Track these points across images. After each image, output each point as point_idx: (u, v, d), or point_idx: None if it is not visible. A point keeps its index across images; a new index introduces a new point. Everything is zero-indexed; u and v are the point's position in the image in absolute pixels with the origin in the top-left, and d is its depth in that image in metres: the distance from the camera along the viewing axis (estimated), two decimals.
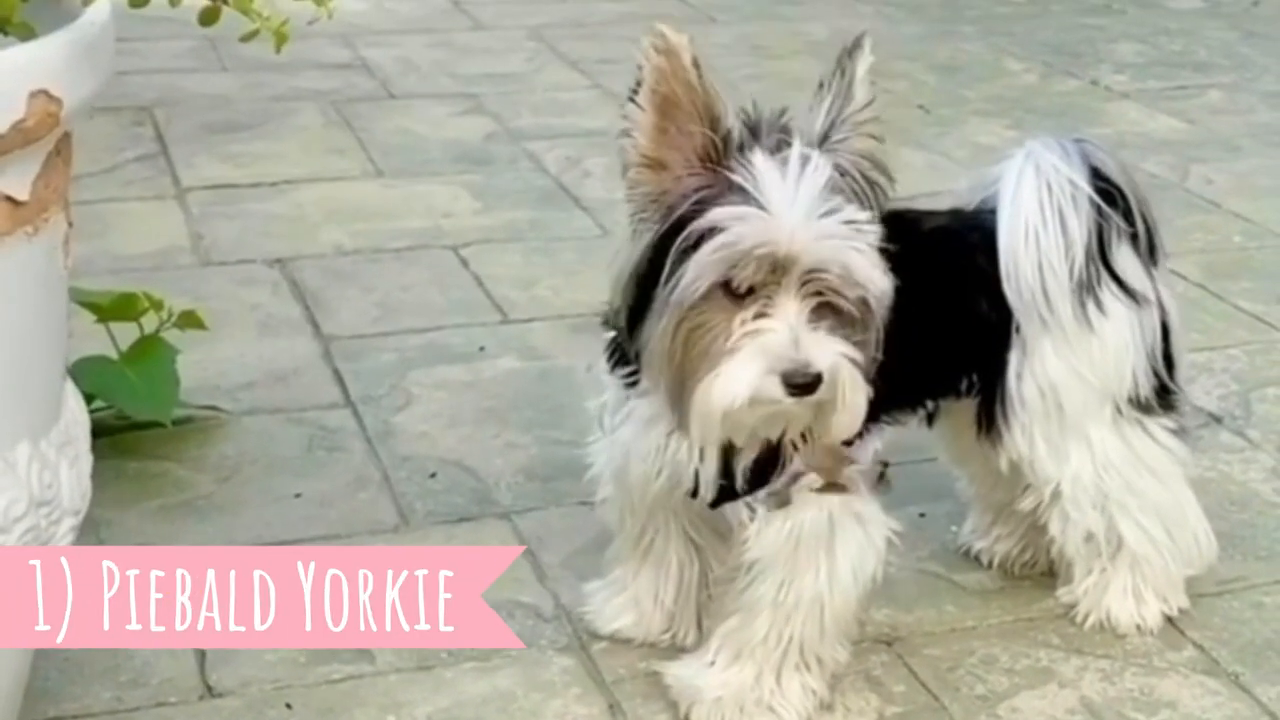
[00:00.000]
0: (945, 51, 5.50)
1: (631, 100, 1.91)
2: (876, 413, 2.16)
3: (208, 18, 1.60)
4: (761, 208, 1.84)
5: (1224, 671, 2.25)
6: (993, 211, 2.20)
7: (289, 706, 2.13)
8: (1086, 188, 2.16)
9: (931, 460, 2.59)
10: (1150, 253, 2.25)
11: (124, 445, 2.74)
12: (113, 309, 2.69)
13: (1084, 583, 2.33)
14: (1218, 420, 2.94)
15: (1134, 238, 2.23)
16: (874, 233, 1.89)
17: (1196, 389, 3.03)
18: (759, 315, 1.86)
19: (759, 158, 1.87)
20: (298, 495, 2.63)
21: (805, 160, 1.87)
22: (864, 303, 1.90)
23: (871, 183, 1.96)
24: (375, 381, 3.02)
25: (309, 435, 2.81)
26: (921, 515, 2.60)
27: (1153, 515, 2.27)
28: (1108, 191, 2.20)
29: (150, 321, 2.76)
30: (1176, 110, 4.84)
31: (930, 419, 2.31)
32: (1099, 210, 2.18)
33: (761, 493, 2.06)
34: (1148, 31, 5.79)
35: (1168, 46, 5.61)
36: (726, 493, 2.07)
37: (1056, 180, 2.16)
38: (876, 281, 1.89)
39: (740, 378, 1.85)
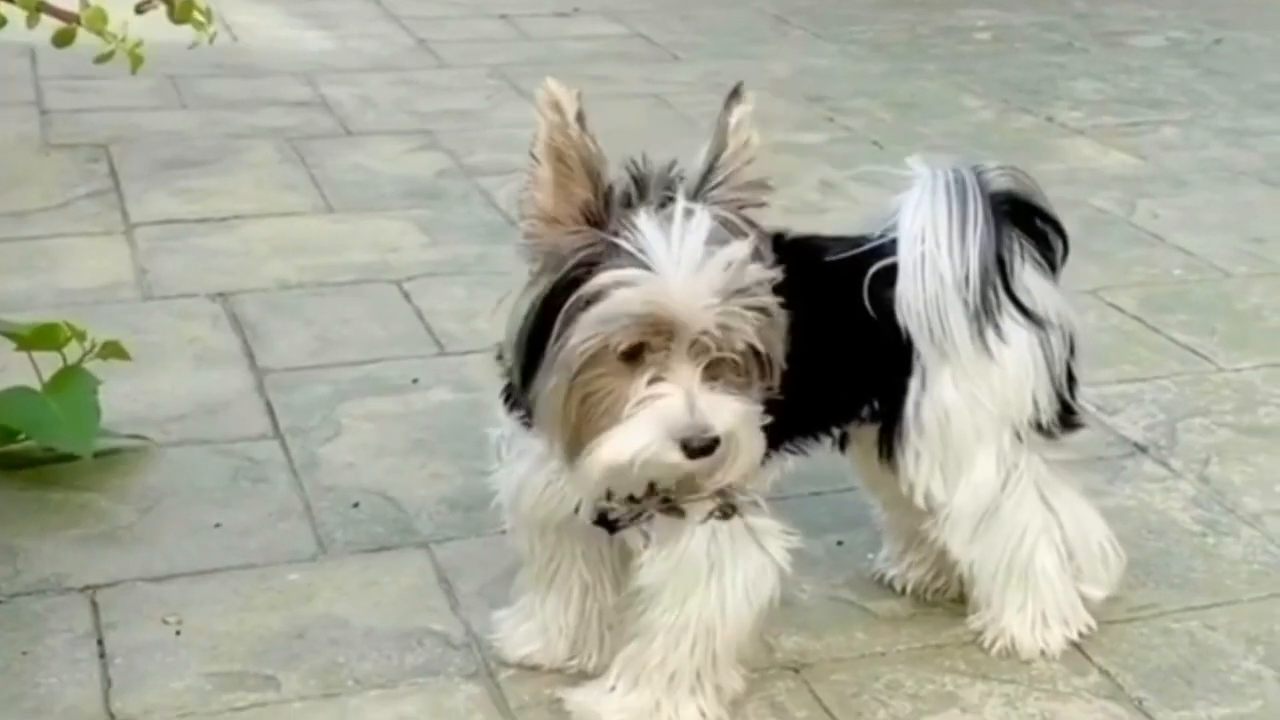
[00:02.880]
0: (905, 89, 5.53)
1: (531, 155, 1.94)
2: (777, 441, 2.18)
3: (62, 39, 1.62)
4: (646, 267, 1.86)
5: (1127, 697, 2.26)
6: (895, 240, 2.21)
7: None
8: (983, 215, 2.17)
9: (852, 490, 2.60)
10: (1053, 267, 2.26)
11: (48, 476, 2.75)
12: (34, 338, 2.70)
13: (989, 608, 2.34)
14: (1142, 450, 2.95)
15: (1040, 259, 2.25)
16: (760, 277, 1.91)
17: (1123, 419, 3.06)
18: (654, 380, 1.88)
19: (642, 217, 1.89)
20: (218, 525, 2.64)
21: (688, 215, 1.88)
22: (755, 352, 1.93)
23: (751, 221, 1.97)
24: (306, 414, 3.03)
25: (234, 466, 2.82)
26: (839, 543, 2.61)
27: (1051, 539, 2.28)
28: (1010, 214, 2.22)
29: (74, 352, 2.77)
30: (1129, 146, 4.86)
31: (842, 445, 2.32)
32: (998, 236, 2.19)
33: (660, 519, 2.07)
34: (1108, 69, 5.83)
35: (1126, 84, 5.64)
36: (605, 517, 2.09)
37: (954, 208, 2.17)
38: (764, 319, 1.91)
39: (636, 443, 1.87)
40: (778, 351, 1.97)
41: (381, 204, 4.21)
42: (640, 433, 1.87)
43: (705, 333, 1.87)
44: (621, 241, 1.87)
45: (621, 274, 1.85)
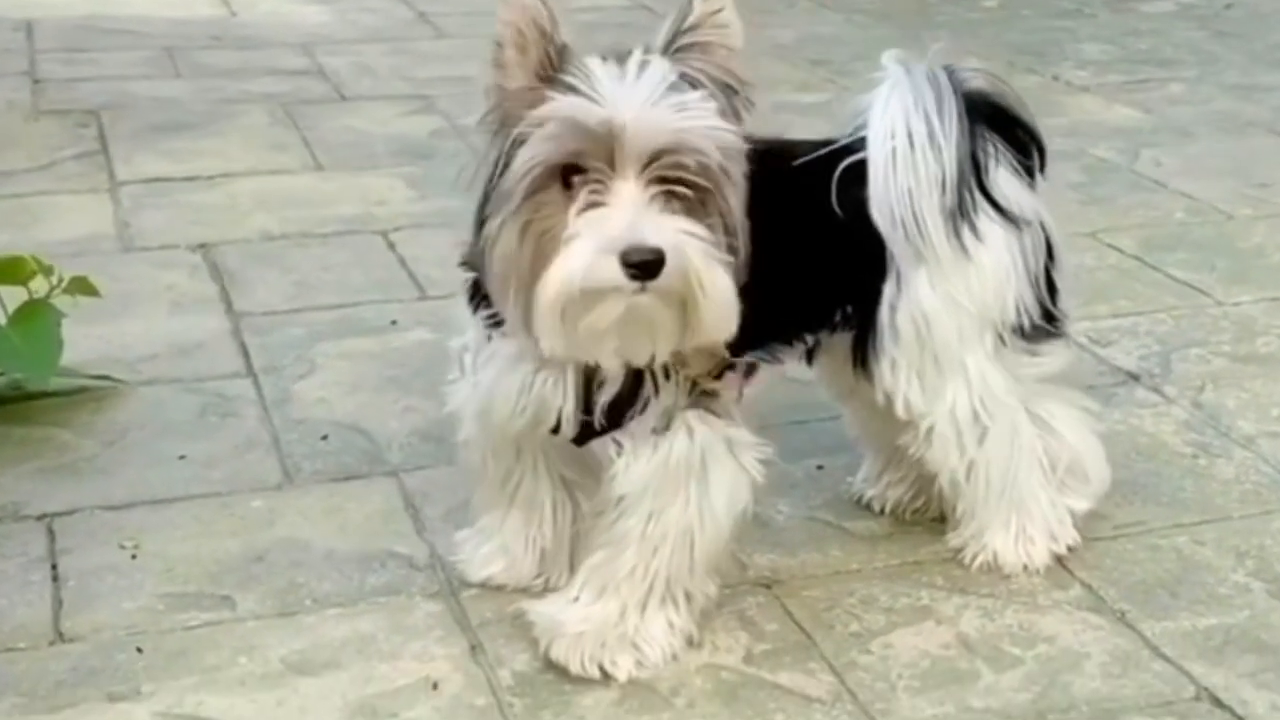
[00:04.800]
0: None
1: (496, 43, 1.90)
2: (748, 344, 2.11)
3: None
4: (595, 100, 1.81)
5: (1110, 609, 2.18)
6: (865, 140, 2.14)
7: (139, 650, 2.07)
8: (956, 112, 2.10)
9: (835, 418, 2.53)
10: (1030, 174, 2.19)
11: (15, 413, 2.70)
12: None
13: (970, 524, 2.26)
14: (1135, 378, 2.87)
15: (1015, 160, 2.18)
16: (710, 110, 1.85)
17: (1116, 350, 2.98)
18: (594, 204, 1.81)
19: (594, 62, 1.85)
20: (182, 457, 2.58)
21: (643, 64, 1.85)
22: (709, 183, 1.85)
23: (726, 87, 1.92)
24: (280, 353, 2.97)
25: (204, 403, 2.76)
26: (819, 467, 2.55)
27: (1035, 451, 2.20)
28: (985, 116, 2.16)
29: (42, 287, 2.72)
30: (1135, 101, 4.78)
31: (810, 356, 2.25)
32: (972, 134, 2.12)
33: (632, 425, 2.00)
34: (1116, 33, 5.74)
35: (1135, 46, 5.56)
36: (587, 429, 2.02)
37: (926, 106, 2.11)
38: (717, 149, 1.84)
39: (575, 261, 1.79)
40: (737, 213, 1.89)
41: (372, 162, 4.15)
42: (577, 252, 1.79)
43: (652, 154, 1.80)
44: (570, 79, 1.83)
45: (568, 100, 1.81)
